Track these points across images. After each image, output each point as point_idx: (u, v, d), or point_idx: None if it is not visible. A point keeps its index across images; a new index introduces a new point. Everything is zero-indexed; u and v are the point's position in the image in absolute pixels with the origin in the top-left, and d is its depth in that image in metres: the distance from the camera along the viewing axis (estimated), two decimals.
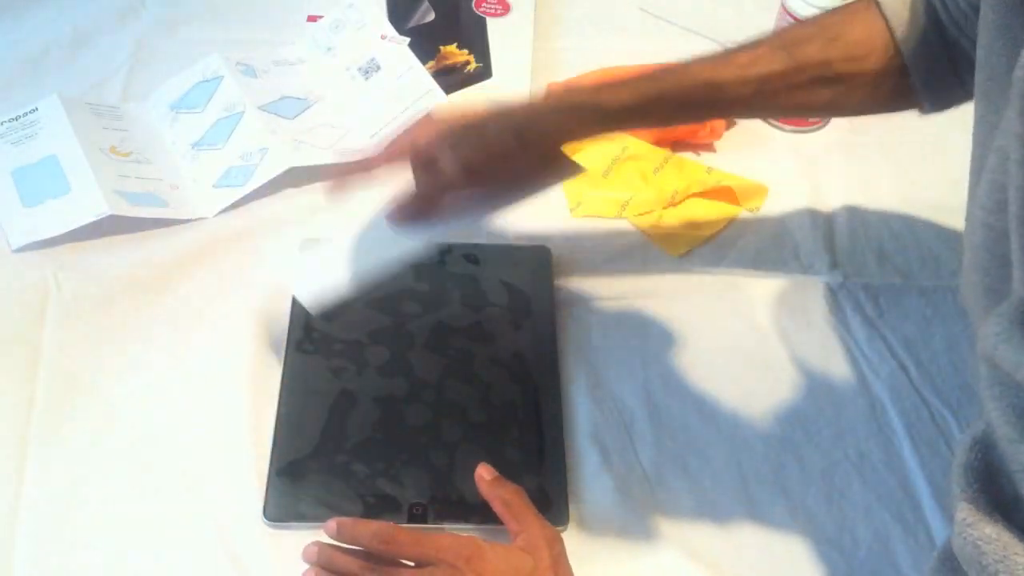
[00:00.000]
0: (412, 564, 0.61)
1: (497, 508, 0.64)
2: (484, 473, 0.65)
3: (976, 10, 0.53)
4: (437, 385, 0.73)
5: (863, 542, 0.67)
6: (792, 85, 0.67)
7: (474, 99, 0.67)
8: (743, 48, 0.68)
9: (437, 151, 0.66)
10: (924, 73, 0.66)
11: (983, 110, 0.50)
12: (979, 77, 0.50)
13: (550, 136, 0.68)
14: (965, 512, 0.41)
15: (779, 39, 0.68)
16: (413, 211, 0.69)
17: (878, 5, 0.67)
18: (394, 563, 0.61)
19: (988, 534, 0.39)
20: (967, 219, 0.50)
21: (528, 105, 0.69)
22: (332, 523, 0.62)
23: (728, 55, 0.68)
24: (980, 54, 0.50)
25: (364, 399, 0.71)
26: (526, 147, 0.67)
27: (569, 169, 0.71)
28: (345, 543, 0.61)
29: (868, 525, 0.68)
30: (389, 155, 0.68)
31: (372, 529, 0.61)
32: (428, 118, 0.68)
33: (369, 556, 0.61)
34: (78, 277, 0.78)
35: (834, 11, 0.69)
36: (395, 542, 0.60)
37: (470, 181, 0.67)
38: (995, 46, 0.47)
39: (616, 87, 0.68)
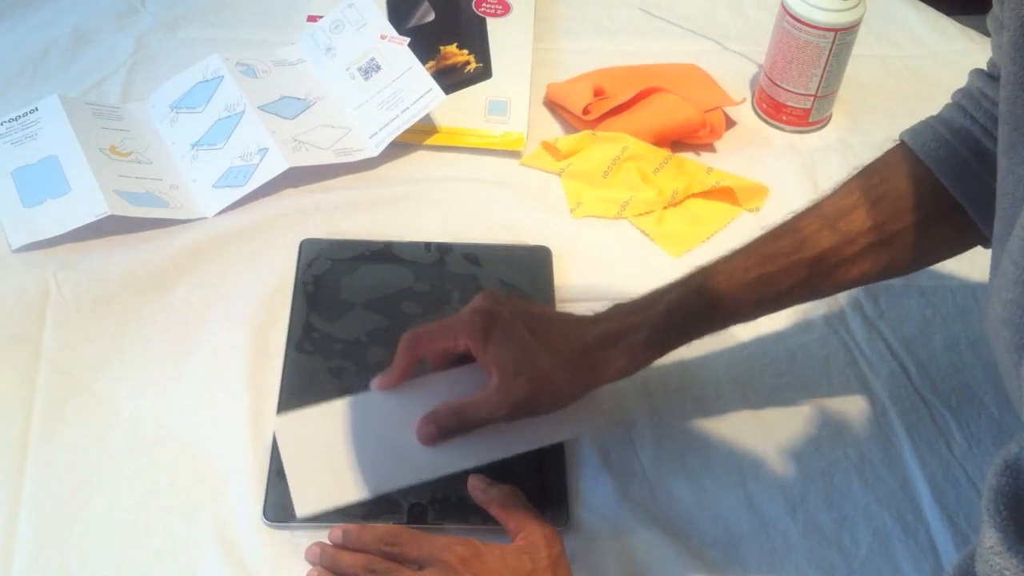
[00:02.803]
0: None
1: (494, 512, 0.64)
2: (476, 482, 0.65)
3: None
4: None
5: (863, 542, 0.67)
6: (846, 259, 0.65)
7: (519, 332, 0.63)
8: (785, 232, 0.66)
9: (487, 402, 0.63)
10: (980, 206, 0.63)
11: (1009, 163, 0.48)
12: (1002, 131, 0.49)
13: (600, 372, 0.64)
14: (993, 540, 0.40)
15: (820, 215, 0.65)
16: (445, 427, 0.65)
17: (911, 151, 0.65)
18: (396, 563, 0.61)
19: (1015, 565, 0.39)
20: (994, 271, 0.48)
21: (578, 339, 0.64)
22: (337, 530, 0.63)
23: (771, 242, 0.65)
24: (1003, 108, 0.49)
25: None
26: (580, 386, 0.65)
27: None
28: (351, 548, 0.62)
29: (868, 525, 0.68)
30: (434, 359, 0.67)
31: (377, 533, 0.62)
32: (478, 316, 0.64)
33: (371, 555, 0.61)
34: (78, 277, 0.78)
35: (869, 170, 0.67)
36: (398, 543, 0.61)
37: (512, 419, 0.64)
38: (1019, 98, 0.46)
39: (664, 309, 0.64)
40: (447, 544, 0.60)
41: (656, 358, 0.66)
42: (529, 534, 0.62)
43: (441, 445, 0.65)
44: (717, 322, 0.67)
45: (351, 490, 0.65)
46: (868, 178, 0.66)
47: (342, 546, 0.62)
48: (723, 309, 0.65)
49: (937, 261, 0.70)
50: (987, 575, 0.40)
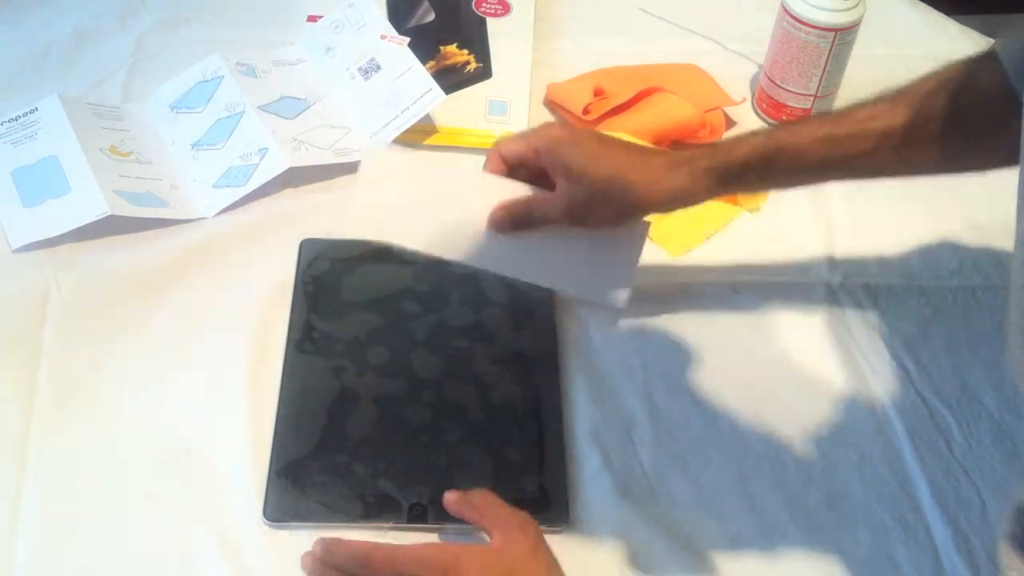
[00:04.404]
0: None
1: (470, 517, 0.63)
2: (451, 496, 0.64)
3: None
4: (437, 385, 0.73)
5: (863, 542, 0.67)
6: (914, 139, 0.66)
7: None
8: (863, 104, 0.68)
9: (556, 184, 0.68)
10: None
11: None
12: None
13: (666, 203, 0.69)
14: None
15: (901, 94, 0.67)
16: (515, 217, 0.70)
17: (998, 59, 0.65)
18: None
19: None
20: (1018, 258, 0.49)
21: (643, 158, 0.69)
22: (318, 544, 0.61)
23: (848, 111, 0.68)
24: None
25: (364, 399, 0.71)
26: (638, 201, 0.68)
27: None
28: (329, 564, 0.60)
29: (868, 525, 0.68)
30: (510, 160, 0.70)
31: (352, 552, 0.60)
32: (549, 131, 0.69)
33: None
34: (78, 277, 0.78)
35: (955, 64, 0.68)
36: (370, 565, 0.60)
37: (572, 222, 0.70)
38: None
39: (731, 145, 0.68)
40: (424, 555, 0.59)
41: (714, 191, 0.69)
42: (504, 528, 0.61)
43: (505, 245, 0.70)
44: (780, 168, 0.68)
45: (404, 235, 0.68)
46: (953, 70, 0.67)
47: (322, 559, 0.61)
48: (787, 155, 0.67)
49: (1000, 167, 0.69)
50: None
